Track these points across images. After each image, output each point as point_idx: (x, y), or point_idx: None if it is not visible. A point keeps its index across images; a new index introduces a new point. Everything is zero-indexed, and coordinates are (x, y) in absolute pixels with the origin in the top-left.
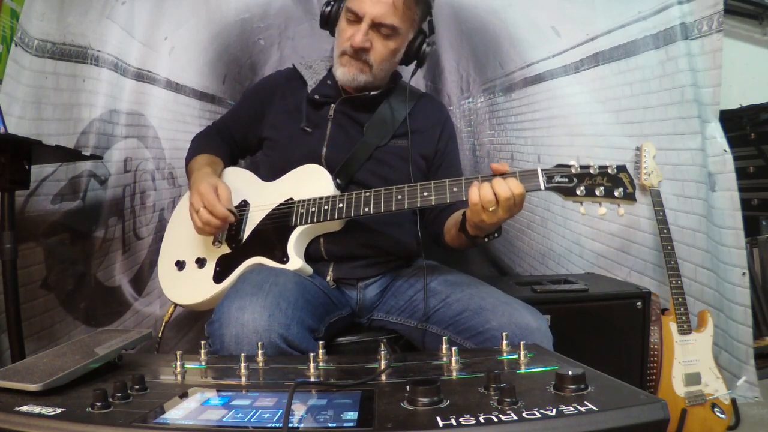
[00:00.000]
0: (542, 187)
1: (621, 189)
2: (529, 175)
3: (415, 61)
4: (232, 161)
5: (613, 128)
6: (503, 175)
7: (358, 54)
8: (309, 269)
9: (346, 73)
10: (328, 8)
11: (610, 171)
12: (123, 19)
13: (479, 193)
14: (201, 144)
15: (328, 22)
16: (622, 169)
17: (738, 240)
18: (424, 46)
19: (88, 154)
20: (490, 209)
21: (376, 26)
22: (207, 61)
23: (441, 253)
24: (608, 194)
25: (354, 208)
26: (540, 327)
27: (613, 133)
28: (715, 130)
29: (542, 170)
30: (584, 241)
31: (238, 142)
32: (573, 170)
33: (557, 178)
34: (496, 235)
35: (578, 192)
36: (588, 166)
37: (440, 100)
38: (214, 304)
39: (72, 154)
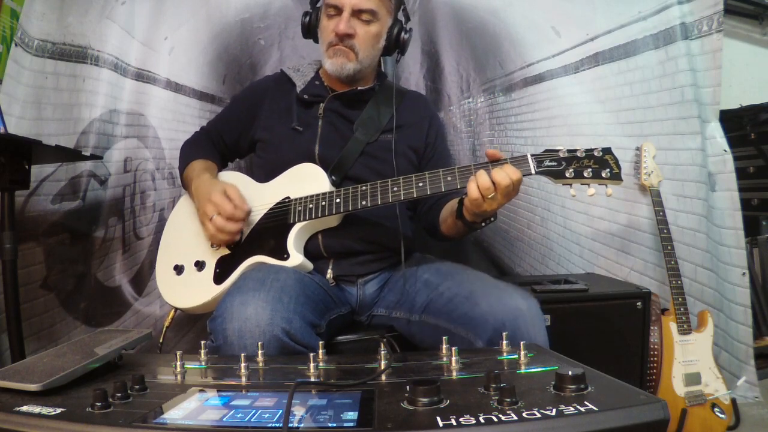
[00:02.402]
0: (533, 171)
1: (608, 170)
2: (520, 161)
3: (398, 51)
4: (222, 165)
5: (613, 128)
6: (496, 162)
7: (344, 41)
8: (309, 265)
9: (335, 63)
10: (307, 18)
11: (596, 153)
12: (123, 19)
13: (477, 182)
14: (193, 151)
15: (310, 30)
16: (607, 151)
17: (738, 240)
18: (403, 33)
19: (88, 154)
20: (490, 196)
21: (356, 13)
22: (207, 61)
23: (438, 248)
24: (596, 175)
25: (351, 203)
26: (530, 307)
27: (613, 133)
28: (715, 130)
29: (532, 155)
30: (584, 241)
31: (229, 145)
32: (561, 154)
33: (547, 162)
34: (492, 219)
35: (567, 174)
36: (575, 150)
37: (425, 97)
38: (215, 305)
39: (72, 154)
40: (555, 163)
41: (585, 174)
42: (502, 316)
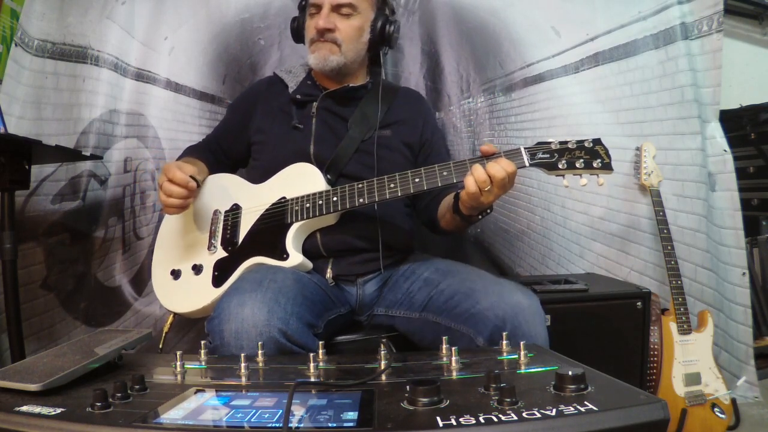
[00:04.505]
0: (527, 164)
1: (599, 160)
2: (514, 154)
3: (385, 44)
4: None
5: (613, 128)
6: (491, 156)
7: (325, 35)
8: (309, 264)
9: (318, 57)
10: (295, 23)
11: (586, 144)
12: (123, 19)
13: (474, 175)
14: (188, 150)
15: (298, 34)
16: (597, 142)
17: (738, 240)
18: (388, 26)
19: (88, 154)
20: (486, 189)
21: (336, 8)
22: (207, 61)
23: (439, 247)
24: (587, 166)
25: (348, 200)
26: (531, 305)
27: (613, 133)
28: (715, 130)
29: (525, 148)
30: (584, 241)
31: (226, 152)
32: (553, 146)
33: (540, 155)
34: (488, 211)
35: (560, 166)
36: (566, 141)
37: (419, 93)
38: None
39: (72, 154)
40: (548, 155)
41: (577, 165)
42: (502, 313)
